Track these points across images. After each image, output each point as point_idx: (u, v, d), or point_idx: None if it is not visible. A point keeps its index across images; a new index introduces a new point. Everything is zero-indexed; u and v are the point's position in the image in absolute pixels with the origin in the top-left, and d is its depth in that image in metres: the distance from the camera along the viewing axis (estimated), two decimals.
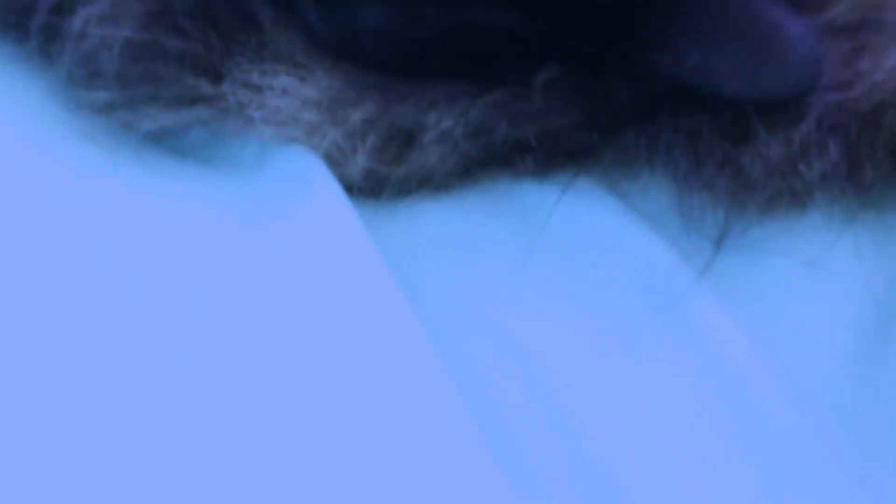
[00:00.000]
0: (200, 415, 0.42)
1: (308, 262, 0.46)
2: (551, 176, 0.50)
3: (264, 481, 0.41)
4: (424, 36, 0.49)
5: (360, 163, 0.49)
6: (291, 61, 0.49)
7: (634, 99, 0.49)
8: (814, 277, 0.49)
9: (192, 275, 0.45)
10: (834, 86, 0.49)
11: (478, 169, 0.50)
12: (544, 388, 0.46)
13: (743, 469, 0.45)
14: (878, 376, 0.48)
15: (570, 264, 0.49)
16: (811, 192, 0.49)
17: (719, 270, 0.48)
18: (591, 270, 0.49)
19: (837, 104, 0.49)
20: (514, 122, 0.49)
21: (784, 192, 0.49)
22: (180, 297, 0.45)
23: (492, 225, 0.49)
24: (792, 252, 0.49)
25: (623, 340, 0.47)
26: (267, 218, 0.47)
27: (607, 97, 0.49)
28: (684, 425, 0.46)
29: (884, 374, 0.48)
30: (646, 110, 0.49)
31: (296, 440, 0.42)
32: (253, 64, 0.49)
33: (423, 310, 0.45)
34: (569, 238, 0.49)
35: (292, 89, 0.49)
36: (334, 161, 0.49)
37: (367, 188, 0.49)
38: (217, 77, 0.48)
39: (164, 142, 0.50)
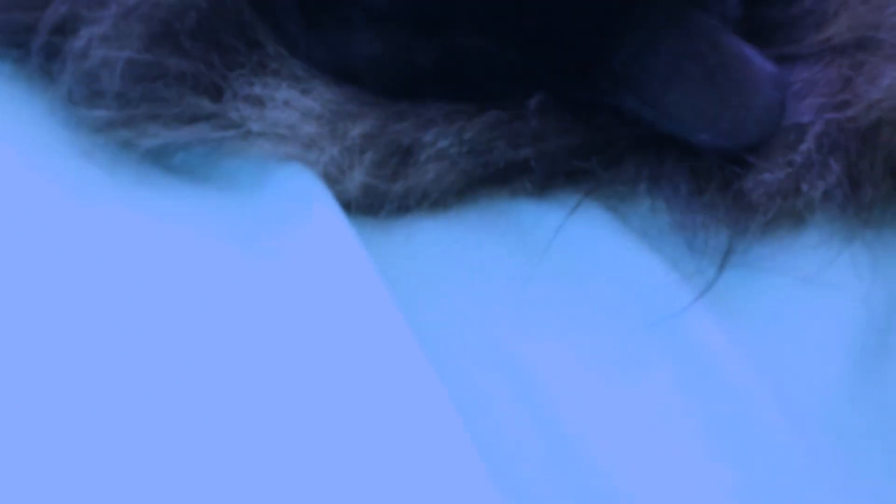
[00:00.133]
0: (196, 435, 0.42)
1: (307, 282, 0.46)
2: (550, 194, 0.50)
3: None
4: (417, 62, 0.49)
5: (357, 178, 0.49)
6: (293, 76, 0.50)
7: (633, 128, 0.49)
8: (811, 295, 0.49)
9: (191, 295, 0.45)
10: (833, 105, 0.49)
11: (476, 187, 0.50)
12: (542, 405, 0.46)
13: (740, 486, 0.45)
14: (875, 394, 0.48)
15: (567, 282, 0.49)
16: (813, 210, 0.49)
17: (717, 288, 0.48)
18: (589, 288, 0.49)
19: (837, 124, 0.49)
20: (511, 142, 0.49)
21: (787, 213, 0.49)
22: (179, 318, 0.45)
23: (490, 243, 0.49)
24: (790, 270, 0.49)
25: (621, 358, 0.47)
26: (266, 238, 0.47)
27: (604, 122, 0.50)
28: (682, 442, 0.46)
29: (880, 391, 0.48)
30: (646, 139, 0.50)
31: (295, 457, 0.42)
32: (256, 76, 0.49)
33: (420, 328, 0.45)
34: (566, 256, 0.49)
35: (294, 101, 0.49)
36: (332, 178, 0.49)
37: (365, 205, 0.49)
38: (218, 94, 0.49)
39: (163, 160, 0.50)
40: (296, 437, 0.42)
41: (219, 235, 0.48)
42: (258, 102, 0.49)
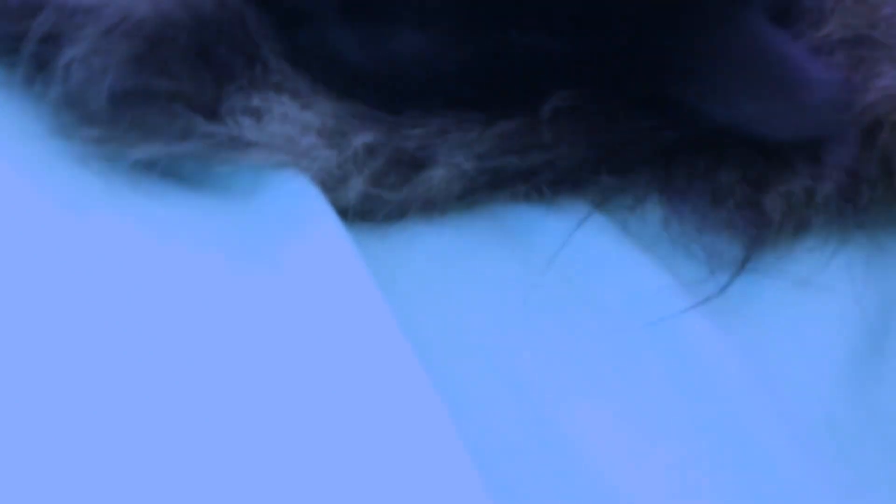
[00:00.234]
0: (189, 443, 0.41)
1: (302, 290, 0.46)
2: (554, 203, 0.50)
3: None
4: (461, 60, 0.49)
5: (357, 187, 0.49)
6: (294, 91, 0.49)
7: (647, 141, 0.49)
8: (806, 297, 0.49)
9: (184, 302, 0.45)
10: None
11: (482, 195, 0.50)
12: (538, 411, 0.46)
13: (735, 489, 0.45)
14: (871, 396, 0.48)
15: (565, 288, 0.49)
16: (817, 215, 0.49)
17: (713, 291, 0.49)
18: (586, 293, 0.48)
19: None
20: (522, 154, 0.49)
21: (801, 223, 0.49)
22: (172, 325, 0.44)
23: (488, 250, 0.49)
24: (785, 272, 0.49)
25: (616, 361, 0.47)
26: (261, 245, 0.47)
27: (619, 137, 0.49)
28: (677, 444, 0.46)
29: (876, 394, 0.48)
30: (659, 153, 0.50)
31: (290, 465, 0.41)
32: (255, 89, 0.48)
33: (417, 335, 0.45)
34: (564, 262, 0.49)
35: (293, 114, 0.49)
36: (328, 186, 0.49)
37: (363, 211, 0.49)
38: (213, 112, 0.48)
39: (157, 166, 0.49)
40: (294, 436, 0.42)
41: (212, 242, 0.47)
42: (256, 114, 0.48)
